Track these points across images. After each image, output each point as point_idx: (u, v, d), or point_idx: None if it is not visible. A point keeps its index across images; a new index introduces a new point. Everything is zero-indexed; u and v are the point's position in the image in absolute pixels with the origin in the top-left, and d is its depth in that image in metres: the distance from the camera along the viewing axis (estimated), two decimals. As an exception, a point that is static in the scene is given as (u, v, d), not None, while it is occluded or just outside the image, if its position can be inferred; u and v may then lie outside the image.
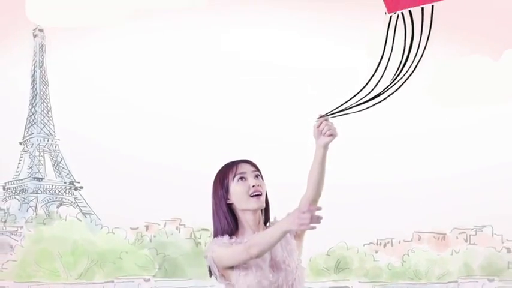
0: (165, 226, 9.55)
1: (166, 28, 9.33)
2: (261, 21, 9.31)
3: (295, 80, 8.38)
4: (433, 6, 2.40)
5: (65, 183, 9.71)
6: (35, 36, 9.65)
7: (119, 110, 9.35)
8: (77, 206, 9.73)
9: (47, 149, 9.76)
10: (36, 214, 9.58)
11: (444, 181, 9.55)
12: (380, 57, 2.33)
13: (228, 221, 2.59)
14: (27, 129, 9.74)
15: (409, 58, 2.34)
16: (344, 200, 8.61)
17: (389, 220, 9.44)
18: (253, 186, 2.57)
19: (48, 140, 9.76)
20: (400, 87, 2.37)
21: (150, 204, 9.48)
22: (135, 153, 9.34)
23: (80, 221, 9.52)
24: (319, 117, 2.56)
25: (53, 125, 9.75)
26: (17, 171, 9.80)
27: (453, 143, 9.50)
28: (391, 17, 2.51)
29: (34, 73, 9.76)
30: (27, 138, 9.73)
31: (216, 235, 2.62)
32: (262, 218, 2.62)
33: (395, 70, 2.32)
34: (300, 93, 8.61)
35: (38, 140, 9.71)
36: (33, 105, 9.74)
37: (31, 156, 9.71)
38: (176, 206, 9.40)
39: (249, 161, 2.63)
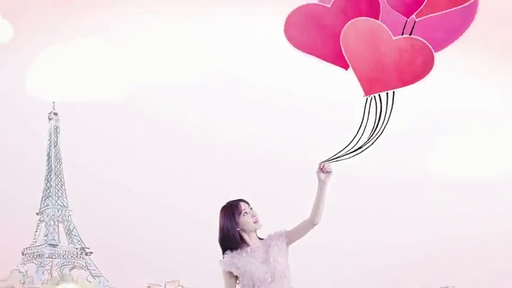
0: (165, 287, 9.81)
1: (176, 97, 9.50)
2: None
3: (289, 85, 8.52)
4: (394, 92, 3.93)
5: (76, 249, 10.07)
6: (50, 119, 10.09)
7: (124, 183, 9.75)
8: (87, 269, 10.03)
9: (60, 219, 10.15)
10: (51, 276, 9.92)
11: (412, 249, 9.53)
12: (359, 124, 3.89)
13: (237, 240, 4.15)
14: (43, 202, 10.14)
15: (382, 120, 3.92)
16: (325, 269, 9.16)
17: (363, 284, 9.64)
18: (254, 216, 4.17)
19: (61, 211, 10.16)
20: (373, 143, 3.90)
21: (151, 267, 9.80)
22: (138, 224, 9.73)
23: (90, 282, 9.94)
24: (320, 163, 4.06)
25: (66, 198, 10.13)
26: (34, 239, 10.13)
27: (425, 212, 9.43)
28: (367, 98, 3.93)
29: (49, 152, 10.18)
30: (43, 209, 10.15)
31: (224, 251, 4.20)
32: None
33: (370, 132, 3.90)
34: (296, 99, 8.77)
35: (52, 211, 10.13)
36: (49, 180, 10.16)
37: (47, 225, 10.12)
38: (175, 269, 9.79)
39: (244, 200, 4.22)
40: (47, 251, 10.13)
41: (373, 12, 3.99)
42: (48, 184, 10.25)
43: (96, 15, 9.54)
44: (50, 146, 10.28)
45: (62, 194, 10.25)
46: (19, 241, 10.07)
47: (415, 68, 3.89)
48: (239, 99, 9.20)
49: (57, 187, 10.26)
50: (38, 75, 9.28)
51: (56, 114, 10.15)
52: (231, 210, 4.16)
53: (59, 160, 10.30)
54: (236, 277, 4.19)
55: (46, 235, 10.17)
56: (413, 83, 3.90)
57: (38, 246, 10.17)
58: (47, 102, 9.81)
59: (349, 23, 3.96)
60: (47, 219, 10.20)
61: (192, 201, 9.51)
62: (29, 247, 10.17)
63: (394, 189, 9.34)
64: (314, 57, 4.01)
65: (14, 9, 9.68)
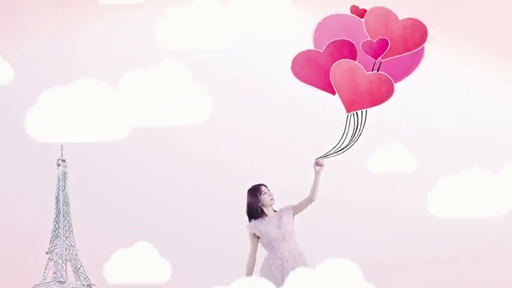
0: (172, 330, 10.12)
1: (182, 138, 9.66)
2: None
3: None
4: (366, 110, 5.80)
5: (83, 285, 10.56)
6: (58, 165, 10.51)
7: (128, 223, 10.12)
8: (94, 305, 10.37)
9: (68, 257, 10.61)
10: (60, 311, 10.29)
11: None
12: (343, 133, 5.77)
13: (259, 212, 6.00)
14: (52, 242, 10.64)
15: (358, 130, 5.78)
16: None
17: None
18: (270, 195, 6.02)
19: (69, 250, 10.62)
20: (352, 146, 5.81)
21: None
22: (143, 262, 10.00)
23: (95, 318, 10.27)
24: (316, 158, 5.91)
25: (73, 238, 10.64)
26: (44, 276, 10.62)
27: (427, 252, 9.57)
28: (348, 114, 5.82)
29: (58, 195, 10.65)
30: (52, 248, 10.62)
31: (250, 220, 6.02)
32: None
33: (350, 137, 5.80)
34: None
35: (61, 250, 10.59)
36: (57, 221, 10.66)
37: (55, 263, 10.59)
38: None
39: (264, 184, 6.01)
40: (55, 287, 10.67)
41: (352, 55, 5.81)
42: (56, 225, 10.82)
43: (96, 57, 9.82)
44: (58, 191, 10.83)
45: (69, 234, 10.83)
46: (30, 278, 10.60)
47: (381, 94, 5.87)
48: (240, 139, 9.84)
49: (65, 228, 10.82)
50: (38, 117, 9.20)
51: (64, 160, 10.66)
52: (255, 192, 6.13)
53: (66, 203, 10.87)
54: (258, 238, 6.10)
55: (55, 273, 10.71)
56: (380, 104, 5.94)
57: (48, 283, 10.72)
58: (48, 144, 9.65)
59: (335, 63, 5.77)
60: (55, 258, 10.73)
61: (199, 240, 9.85)
62: (39, 284, 10.73)
63: (395, 226, 9.62)
64: (312, 86, 5.99)
65: (14, 51, 9.86)
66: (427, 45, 5.84)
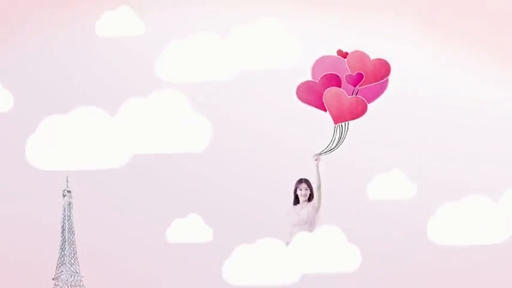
0: None
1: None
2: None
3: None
4: (348, 122, 7.90)
5: None
6: (64, 196, 11.01)
7: (130, 250, 10.59)
8: (99, 328, 11.21)
9: (73, 283, 11.02)
10: (67, 335, 11.24)
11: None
12: (331, 138, 7.87)
13: (295, 200, 8.00)
14: (58, 268, 11.08)
15: (342, 135, 7.77)
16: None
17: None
18: (301, 193, 7.92)
19: (74, 277, 11.06)
20: (338, 147, 8.04)
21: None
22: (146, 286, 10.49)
23: None
24: (314, 155, 8.13)
25: (78, 265, 11.09)
26: None
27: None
28: (335, 125, 7.81)
29: (63, 225, 11.10)
30: (58, 275, 11.07)
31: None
32: (306, 198, 7.89)
33: (337, 141, 8.04)
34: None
35: (66, 276, 11.02)
36: (63, 249, 11.08)
37: None
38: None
39: (306, 180, 8.02)
40: (61, 312, 10.50)
41: (338, 84, 7.69)
42: (62, 253, 11.05)
43: (95, 85, 10.09)
44: (64, 220, 11.01)
45: (74, 261, 11.06)
46: (38, 303, 10.41)
47: (358, 111, 7.78)
48: (239, 166, 10.39)
49: (70, 255, 11.04)
50: (38, 145, 8.81)
51: (69, 191, 10.85)
52: (296, 184, 8.08)
53: (72, 232, 11.04)
54: None
55: (61, 298, 10.55)
56: (357, 118, 7.92)
57: (54, 308, 10.59)
58: (48, 172, 9.09)
59: (326, 89, 7.70)
60: (61, 284, 10.99)
61: (205, 274, 9.94)
62: (45, 308, 10.53)
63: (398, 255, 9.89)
64: (310, 105, 7.86)
65: (14, 79, 9.95)
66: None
